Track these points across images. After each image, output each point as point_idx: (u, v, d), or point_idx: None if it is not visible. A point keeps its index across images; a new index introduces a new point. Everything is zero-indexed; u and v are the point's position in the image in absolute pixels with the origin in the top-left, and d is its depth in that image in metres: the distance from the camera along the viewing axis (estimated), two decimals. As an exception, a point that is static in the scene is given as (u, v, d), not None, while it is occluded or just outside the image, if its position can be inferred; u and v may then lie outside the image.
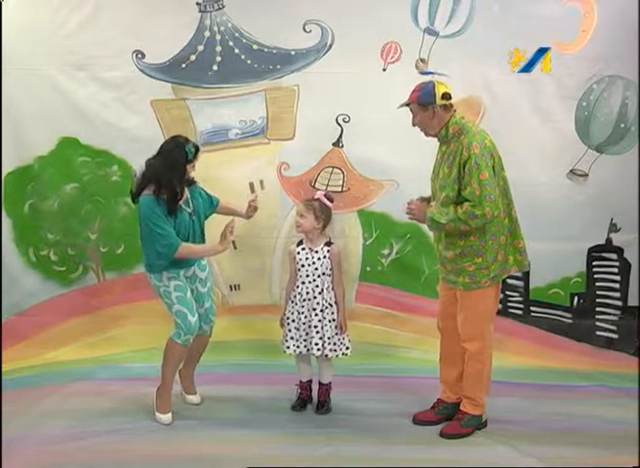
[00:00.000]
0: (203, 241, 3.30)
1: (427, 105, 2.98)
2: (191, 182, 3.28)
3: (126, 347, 4.14)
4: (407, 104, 3.07)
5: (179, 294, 3.17)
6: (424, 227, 3.61)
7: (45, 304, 4.29)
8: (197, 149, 3.18)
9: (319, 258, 3.35)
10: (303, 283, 3.35)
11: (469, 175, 2.86)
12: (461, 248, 3.00)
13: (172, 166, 3.07)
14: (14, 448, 2.92)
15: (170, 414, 3.28)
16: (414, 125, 3.10)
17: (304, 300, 3.34)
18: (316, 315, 3.32)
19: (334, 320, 3.33)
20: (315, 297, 3.33)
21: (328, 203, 3.36)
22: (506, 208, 3.02)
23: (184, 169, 3.11)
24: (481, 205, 2.84)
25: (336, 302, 3.36)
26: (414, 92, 3.05)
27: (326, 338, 3.31)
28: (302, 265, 3.36)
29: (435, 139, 3.15)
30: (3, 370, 3.78)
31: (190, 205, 3.22)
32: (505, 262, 3.06)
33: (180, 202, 3.13)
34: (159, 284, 3.18)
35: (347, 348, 3.38)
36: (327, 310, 3.33)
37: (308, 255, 3.36)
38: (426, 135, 3.10)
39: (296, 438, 3.11)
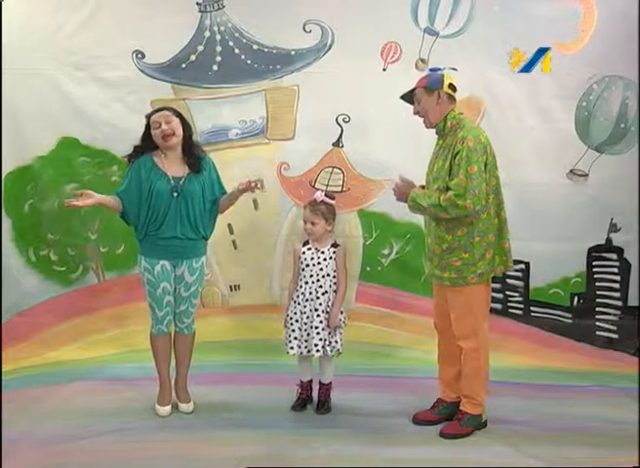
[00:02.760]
0: (193, 230, 3.21)
1: (434, 90, 3.02)
2: (194, 166, 3.20)
3: (126, 347, 4.14)
4: (412, 90, 3.09)
5: (149, 289, 3.24)
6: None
7: (45, 304, 4.29)
8: (154, 111, 3.19)
9: (325, 259, 3.35)
10: (307, 283, 3.35)
11: (458, 166, 2.89)
12: (449, 243, 3.02)
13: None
14: (14, 448, 2.92)
15: (168, 407, 3.32)
16: (415, 113, 3.11)
17: (307, 301, 3.34)
18: (318, 316, 3.32)
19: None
20: (318, 298, 3.33)
21: (331, 202, 3.37)
22: (497, 208, 3.04)
23: (147, 131, 3.19)
24: (464, 196, 2.86)
25: (333, 302, 3.35)
26: (421, 79, 3.09)
27: (326, 339, 3.31)
28: (307, 265, 3.35)
29: (434, 138, 3.16)
30: (3, 370, 3.78)
31: (179, 184, 3.15)
32: (493, 261, 3.06)
33: (164, 170, 3.14)
34: (140, 268, 3.25)
35: (339, 345, 3.35)
36: (328, 311, 3.33)
37: (314, 256, 3.35)
38: (427, 124, 3.10)
39: (296, 438, 3.11)
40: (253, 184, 3.20)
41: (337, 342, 3.35)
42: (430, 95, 3.03)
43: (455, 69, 3.20)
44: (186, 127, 3.23)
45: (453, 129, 3.02)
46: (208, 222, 3.31)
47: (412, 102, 3.14)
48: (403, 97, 3.16)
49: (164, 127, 3.12)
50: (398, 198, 3.15)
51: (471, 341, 3.08)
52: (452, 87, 3.04)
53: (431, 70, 3.20)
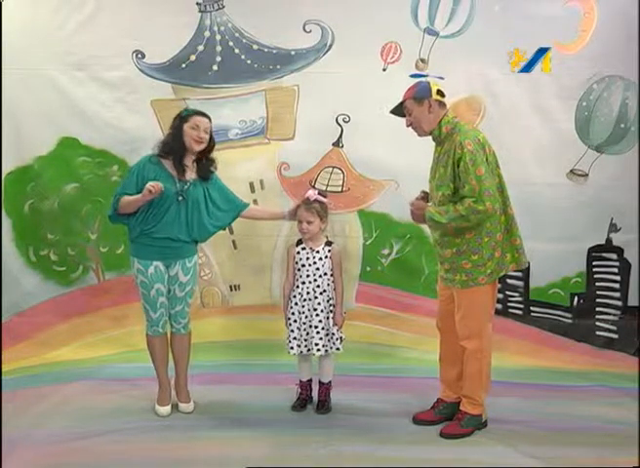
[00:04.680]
0: (188, 233, 3.22)
1: (423, 99, 3.02)
2: (205, 175, 3.24)
3: (126, 347, 4.14)
4: (401, 103, 3.10)
5: (143, 291, 3.24)
6: (425, 227, 3.62)
7: (45, 304, 4.30)
8: (197, 112, 3.23)
9: (320, 258, 3.35)
10: (304, 283, 3.35)
11: (466, 173, 2.88)
12: (458, 246, 3.02)
13: (171, 130, 3.24)
14: (14, 448, 2.92)
15: (168, 407, 3.33)
16: (408, 125, 3.11)
17: (305, 300, 3.34)
18: (317, 315, 3.32)
19: (330, 318, 3.35)
20: (316, 297, 3.34)
21: (324, 200, 3.38)
22: (502, 205, 3.03)
23: (180, 128, 3.18)
24: (482, 200, 2.86)
25: (334, 302, 3.37)
26: (408, 90, 3.09)
27: (325, 337, 3.32)
28: (303, 265, 3.35)
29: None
30: (3, 370, 3.78)
31: (185, 188, 3.17)
32: (502, 260, 3.06)
33: (172, 172, 3.15)
34: (133, 269, 3.26)
35: (339, 342, 3.37)
36: (327, 310, 3.34)
37: (309, 255, 3.36)
38: (420, 133, 3.11)
39: (296, 438, 3.11)
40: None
41: (337, 340, 3.36)
42: (420, 104, 3.03)
43: (441, 78, 3.22)
44: (211, 140, 3.27)
45: (449, 134, 3.01)
46: (205, 229, 3.29)
47: (402, 115, 3.14)
48: (393, 112, 3.16)
49: (202, 134, 3.17)
50: (416, 220, 3.14)
51: (475, 342, 3.08)
52: (440, 93, 3.04)
53: (414, 76, 3.20)
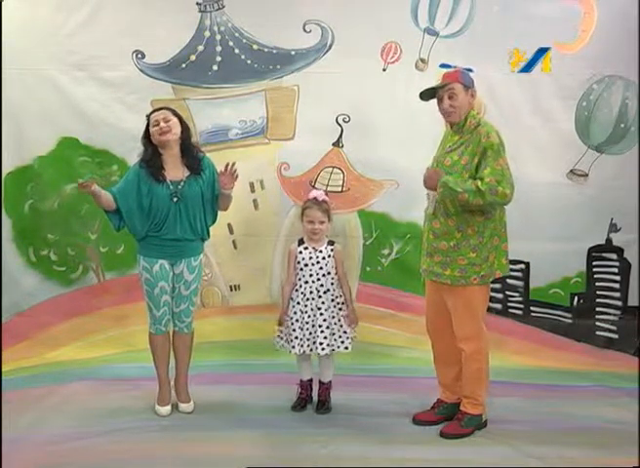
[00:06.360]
0: (192, 232, 3.25)
1: (469, 88, 3.02)
2: (194, 168, 3.23)
3: (126, 347, 4.13)
4: (442, 86, 3.03)
5: (147, 289, 3.25)
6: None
7: (45, 304, 4.29)
8: (152, 111, 3.25)
9: (324, 258, 3.36)
10: (307, 282, 3.35)
11: (493, 158, 2.88)
12: (457, 240, 2.98)
13: (142, 142, 3.27)
14: (14, 448, 2.92)
15: (168, 407, 3.33)
16: (445, 107, 3.01)
17: (308, 300, 3.34)
18: (321, 314, 3.32)
19: (336, 317, 3.34)
20: (320, 297, 3.34)
21: (328, 199, 3.39)
22: (500, 210, 3.03)
23: (147, 134, 3.22)
24: (503, 183, 2.86)
25: (344, 301, 3.38)
26: (451, 75, 3.06)
27: (330, 337, 3.32)
28: (306, 265, 3.35)
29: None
30: (3, 370, 3.78)
31: (178, 188, 3.18)
32: (493, 264, 3.04)
33: (161, 175, 3.16)
34: (138, 267, 3.28)
35: (347, 341, 3.37)
36: (331, 309, 3.34)
37: (312, 255, 3.36)
38: (453, 119, 3.03)
39: (296, 438, 3.11)
40: (228, 169, 3.20)
41: (347, 339, 3.36)
42: (466, 92, 3.01)
43: (470, 70, 3.20)
44: (185, 128, 3.25)
45: (472, 127, 3.00)
46: (207, 224, 3.33)
47: (428, 98, 3.10)
48: (425, 92, 3.09)
49: (162, 124, 3.15)
50: (427, 185, 3.03)
51: (474, 344, 3.07)
52: None
53: (443, 66, 3.21)
